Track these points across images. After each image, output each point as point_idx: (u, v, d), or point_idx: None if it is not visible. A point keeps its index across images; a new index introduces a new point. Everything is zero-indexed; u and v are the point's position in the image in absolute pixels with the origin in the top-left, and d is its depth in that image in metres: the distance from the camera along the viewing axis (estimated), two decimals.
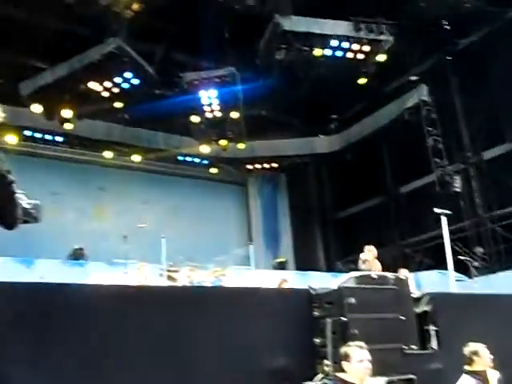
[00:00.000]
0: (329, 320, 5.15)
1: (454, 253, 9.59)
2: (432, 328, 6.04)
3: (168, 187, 16.56)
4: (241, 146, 16.01)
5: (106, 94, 13.12)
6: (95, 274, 10.08)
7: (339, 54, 13.20)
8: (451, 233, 8.73)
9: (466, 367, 4.92)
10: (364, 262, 9.56)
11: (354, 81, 14.59)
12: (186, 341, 4.86)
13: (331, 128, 17.87)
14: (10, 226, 3.30)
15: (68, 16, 12.27)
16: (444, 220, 8.33)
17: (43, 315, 4.35)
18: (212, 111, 14.56)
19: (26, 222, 3.50)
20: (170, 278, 9.26)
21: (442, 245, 8.48)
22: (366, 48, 13.18)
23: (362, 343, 4.39)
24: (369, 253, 9.61)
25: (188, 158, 16.85)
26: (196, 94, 14.03)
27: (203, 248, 13.85)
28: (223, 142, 15.67)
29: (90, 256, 12.45)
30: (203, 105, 14.37)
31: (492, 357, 4.87)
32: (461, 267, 11.80)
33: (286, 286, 10.57)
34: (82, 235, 13.59)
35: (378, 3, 13.27)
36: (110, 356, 4.50)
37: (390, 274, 5.88)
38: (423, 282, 12.43)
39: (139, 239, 9.88)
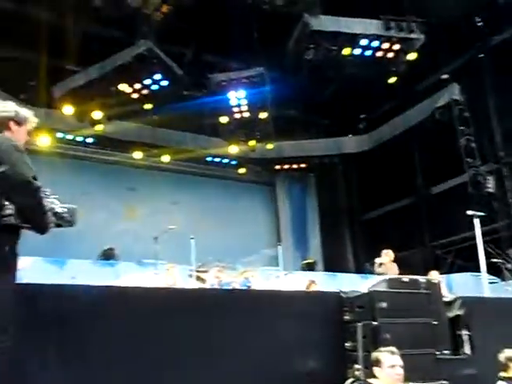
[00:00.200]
0: (359, 324, 5.10)
1: (487, 255, 9.38)
2: (465, 333, 5.93)
3: (197, 188, 16.64)
4: (269, 146, 16.01)
5: (135, 96, 13.27)
6: (126, 274, 10.19)
7: (368, 53, 13.07)
8: (484, 234, 8.54)
9: (502, 373, 4.82)
10: (380, 265, 9.75)
11: (383, 80, 14.42)
12: (215, 343, 4.87)
13: (360, 128, 17.70)
14: (40, 231, 3.36)
15: (98, 19, 12.41)
16: (477, 222, 8.17)
17: (79, 316, 4.41)
18: (240, 112, 14.61)
19: (59, 225, 3.54)
20: (198, 278, 9.29)
21: (475, 246, 8.31)
22: (396, 47, 13.02)
23: (393, 348, 4.34)
24: (385, 256, 9.76)
25: (216, 159, 16.92)
26: (225, 94, 14.09)
27: (232, 249, 13.89)
28: (252, 143, 15.70)
29: (120, 256, 12.60)
30: (232, 105, 14.43)
31: None
32: (494, 269, 11.58)
33: (314, 287, 10.51)
34: (113, 236, 13.77)
35: (408, 1, 13.09)
36: (142, 357, 4.53)
37: (421, 278, 5.79)
38: (455, 285, 12.21)
39: (169, 240, 9.93)
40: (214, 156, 16.75)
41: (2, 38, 12.30)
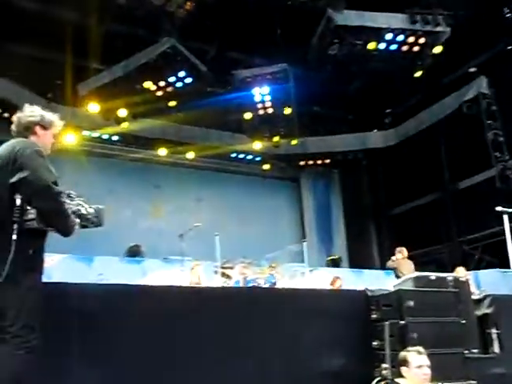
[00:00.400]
0: (387, 323, 5.07)
1: None
2: (494, 331, 5.86)
3: (221, 184, 16.68)
4: (293, 142, 15.95)
5: (160, 93, 13.35)
6: (152, 272, 10.30)
7: (394, 47, 12.90)
8: None
9: None
10: (393, 260, 10.58)
11: (409, 74, 14.22)
12: (242, 342, 4.89)
13: (386, 123, 17.52)
14: (63, 234, 3.43)
15: (122, 17, 12.51)
16: (506, 218, 8.03)
17: (103, 315, 4.46)
18: (264, 108, 14.60)
19: (84, 226, 3.59)
20: (224, 275, 9.34)
21: (503, 242, 8.20)
22: (422, 40, 12.82)
23: (420, 348, 4.31)
24: (399, 254, 10.51)
25: (241, 155, 16.92)
26: (248, 90, 14.10)
27: (256, 245, 13.90)
28: (276, 139, 15.66)
29: (146, 253, 12.72)
30: (256, 101, 14.44)
31: None
32: None
33: (338, 283, 10.52)
34: (138, 233, 13.92)
35: None
36: (166, 356, 4.57)
37: (449, 276, 5.72)
38: (483, 281, 12.03)
39: (194, 237, 9.99)
40: (239, 152, 16.76)
41: (28, 38, 12.51)
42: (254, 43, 13.40)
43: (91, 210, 3.62)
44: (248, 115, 14.80)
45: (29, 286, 3.23)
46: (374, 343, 5.19)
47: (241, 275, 9.06)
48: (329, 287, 10.35)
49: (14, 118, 3.63)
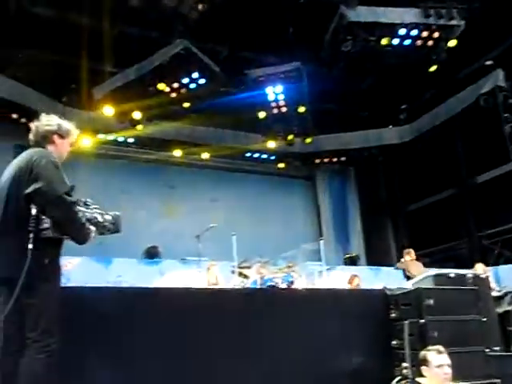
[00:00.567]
0: (406, 322, 5.03)
1: None
2: None
3: (236, 184, 16.70)
4: (308, 140, 15.91)
5: (174, 95, 13.38)
6: (169, 273, 10.35)
7: (407, 42, 12.75)
8: None
9: None
10: (401, 262, 10.79)
11: (423, 69, 14.08)
12: (260, 342, 4.88)
13: (401, 118, 17.37)
14: (78, 242, 3.49)
15: (135, 20, 12.57)
16: None
17: (125, 318, 4.49)
18: (278, 107, 14.56)
19: (102, 233, 3.63)
20: (241, 274, 9.34)
21: None
22: (436, 34, 12.65)
23: (440, 347, 4.28)
24: (407, 255, 10.73)
25: (255, 155, 16.88)
26: (262, 90, 14.07)
27: (273, 244, 13.88)
28: (290, 137, 15.64)
29: (163, 254, 12.78)
30: (269, 101, 14.40)
31: None
32: None
33: (356, 281, 10.50)
34: (154, 234, 13.98)
35: None
36: (184, 358, 4.58)
37: (469, 273, 5.66)
38: (503, 277, 11.93)
39: (210, 237, 10.01)
40: (253, 152, 16.73)
41: (43, 44, 12.63)
42: (267, 42, 13.36)
43: (108, 217, 3.65)
44: (262, 114, 14.78)
45: (46, 293, 3.30)
46: (394, 342, 5.16)
47: (258, 275, 9.05)
48: (346, 285, 10.34)
49: (32, 126, 3.69)
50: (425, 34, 12.60)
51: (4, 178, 3.54)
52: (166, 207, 15.71)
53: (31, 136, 3.68)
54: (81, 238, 3.47)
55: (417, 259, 11.05)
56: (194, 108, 14.45)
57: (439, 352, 4.20)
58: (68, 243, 3.55)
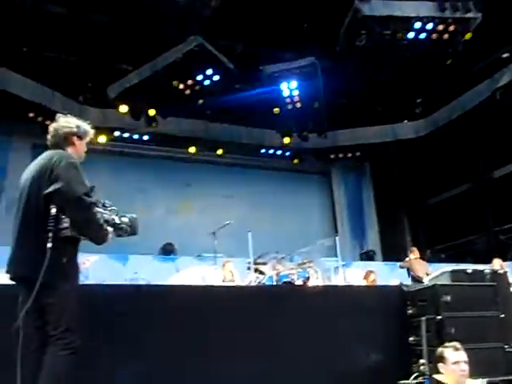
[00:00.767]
0: (423, 318, 5.01)
1: None
2: None
3: (251, 180, 16.70)
4: (323, 135, 15.86)
5: (188, 92, 13.42)
6: (185, 269, 10.40)
7: (423, 35, 12.62)
8: None
9: None
10: (406, 261, 10.79)
11: (439, 62, 13.94)
12: (278, 339, 4.90)
13: (416, 113, 17.23)
14: (96, 242, 3.54)
15: (148, 17, 12.60)
16: None
17: (143, 315, 4.53)
18: (293, 102, 14.52)
19: (119, 235, 3.68)
20: (257, 270, 9.36)
21: None
22: (452, 28, 12.51)
23: (457, 344, 4.25)
24: (411, 254, 10.76)
25: (270, 151, 16.87)
26: (276, 86, 14.05)
27: (288, 240, 13.86)
28: (305, 133, 15.61)
29: (179, 251, 12.85)
30: (284, 96, 14.37)
31: None
32: None
33: (372, 277, 10.46)
34: (170, 231, 14.05)
35: None
36: (200, 355, 4.61)
37: (486, 269, 5.61)
38: None
39: (226, 233, 10.04)
40: (268, 148, 16.72)
41: (58, 42, 12.73)
42: (281, 38, 13.32)
43: (125, 219, 3.69)
44: (276, 110, 14.76)
45: (65, 292, 3.35)
46: (411, 339, 5.15)
47: (274, 271, 9.08)
48: (362, 281, 10.31)
49: (50, 128, 3.72)
50: (440, 27, 12.45)
51: (24, 179, 3.60)
52: (182, 204, 15.77)
53: (50, 137, 3.71)
54: (99, 239, 3.52)
55: (421, 257, 11.00)
56: (209, 105, 14.46)
57: (456, 349, 4.17)
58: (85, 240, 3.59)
